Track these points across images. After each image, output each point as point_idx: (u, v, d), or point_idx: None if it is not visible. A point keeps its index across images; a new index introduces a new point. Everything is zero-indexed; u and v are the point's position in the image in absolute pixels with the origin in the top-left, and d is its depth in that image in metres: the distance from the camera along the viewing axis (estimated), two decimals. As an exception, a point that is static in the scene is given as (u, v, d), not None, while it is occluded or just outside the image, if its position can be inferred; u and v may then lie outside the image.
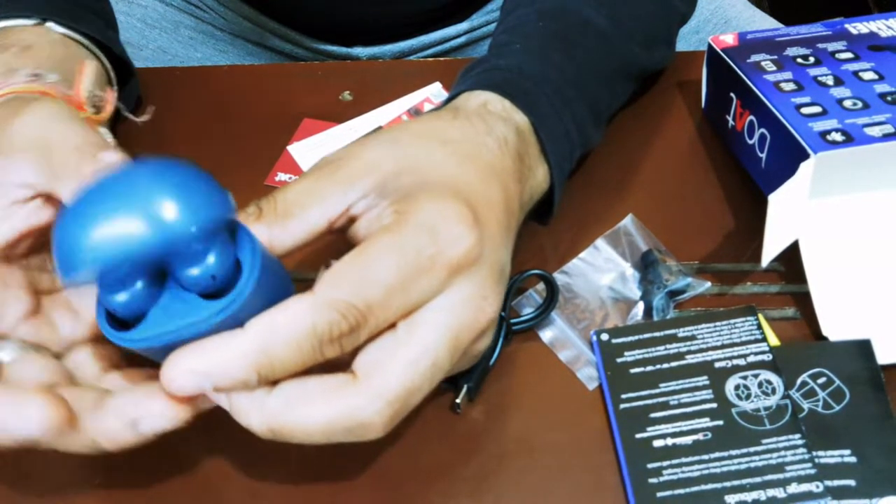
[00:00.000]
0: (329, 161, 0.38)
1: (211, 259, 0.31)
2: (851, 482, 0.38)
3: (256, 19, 0.73)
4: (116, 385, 0.36)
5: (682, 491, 0.38)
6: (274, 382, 0.33)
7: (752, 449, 0.39)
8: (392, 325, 0.33)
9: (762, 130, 0.48)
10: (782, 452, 0.39)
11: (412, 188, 0.36)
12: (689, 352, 0.43)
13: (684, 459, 0.39)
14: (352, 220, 0.37)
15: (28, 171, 0.36)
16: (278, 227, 0.35)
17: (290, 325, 0.31)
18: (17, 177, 0.36)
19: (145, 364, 0.35)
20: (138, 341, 0.32)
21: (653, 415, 0.41)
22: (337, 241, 0.37)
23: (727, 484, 0.38)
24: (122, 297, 0.31)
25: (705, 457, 0.39)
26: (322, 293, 0.32)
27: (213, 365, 0.31)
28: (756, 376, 0.42)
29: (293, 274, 0.38)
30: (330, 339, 0.31)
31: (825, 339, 0.44)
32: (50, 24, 0.49)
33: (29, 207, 0.36)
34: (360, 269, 0.32)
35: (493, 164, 0.39)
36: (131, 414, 0.33)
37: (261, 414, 0.32)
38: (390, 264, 0.32)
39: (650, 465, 0.39)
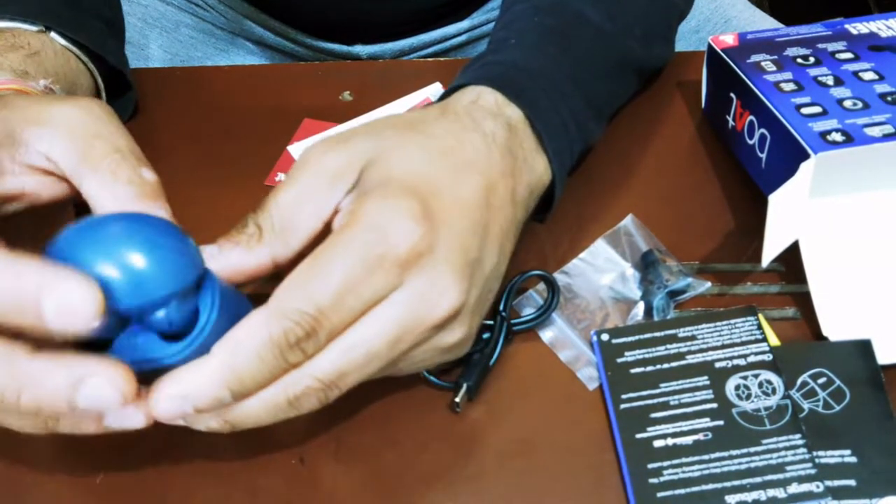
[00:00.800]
0: (314, 156, 0.38)
1: (169, 309, 0.33)
2: (852, 482, 0.38)
3: (257, 17, 0.73)
4: None
5: (682, 491, 0.39)
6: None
7: (752, 449, 0.39)
8: None
9: (762, 130, 0.48)
10: (782, 452, 0.39)
11: (371, 185, 0.37)
12: (690, 352, 0.43)
13: (685, 459, 0.39)
14: (336, 214, 0.38)
15: (59, 147, 0.37)
16: (279, 244, 0.37)
17: (248, 339, 0.33)
18: (44, 146, 0.37)
19: None
20: None
21: (653, 415, 0.41)
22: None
23: (727, 484, 0.38)
24: None
25: (706, 457, 0.39)
26: (274, 304, 0.33)
27: (189, 389, 0.33)
28: (756, 376, 0.42)
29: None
30: (289, 346, 0.33)
31: (825, 339, 0.44)
32: (52, 35, 0.50)
33: (44, 179, 0.37)
34: (309, 275, 0.34)
35: (473, 159, 0.39)
36: (81, 371, 0.31)
37: (214, 414, 0.34)
38: (338, 267, 0.34)
39: (650, 465, 0.39)
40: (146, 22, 0.73)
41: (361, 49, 0.73)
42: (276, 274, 0.38)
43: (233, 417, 0.34)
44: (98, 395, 0.31)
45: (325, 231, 0.37)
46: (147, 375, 0.33)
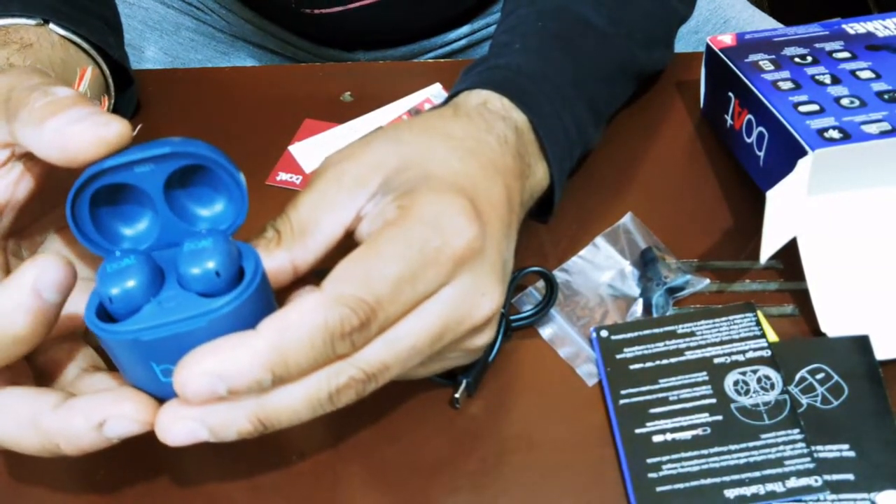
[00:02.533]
0: (333, 164, 0.38)
1: (217, 256, 0.32)
2: (850, 476, 0.38)
3: (258, 22, 0.74)
4: (95, 387, 0.36)
5: (681, 485, 0.39)
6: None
7: (751, 444, 0.39)
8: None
9: (760, 129, 0.48)
10: (781, 447, 0.39)
11: (414, 183, 0.36)
12: (689, 348, 0.43)
13: (684, 454, 0.40)
14: (360, 221, 0.37)
15: None
16: (299, 247, 0.35)
17: (301, 321, 0.31)
18: None
19: None
20: (124, 333, 0.31)
21: (652, 410, 0.41)
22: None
23: (726, 478, 0.39)
24: (116, 290, 0.31)
25: (704, 452, 0.40)
26: (331, 289, 0.32)
27: (228, 366, 0.30)
28: (755, 372, 0.42)
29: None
30: (341, 335, 0.31)
31: (823, 335, 0.44)
32: (51, 26, 0.50)
33: (6, 180, 0.35)
34: (368, 263, 0.33)
35: (494, 160, 0.40)
36: (99, 415, 0.32)
37: (246, 412, 0.32)
38: (397, 258, 0.33)
39: (650, 460, 0.40)
40: (146, 24, 0.74)
41: (362, 55, 0.74)
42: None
43: (268, 413, 0.32)
44: (122, 430, 0.32)
45: (347, 239, 0.37)
46: (171, 351, 0.31)
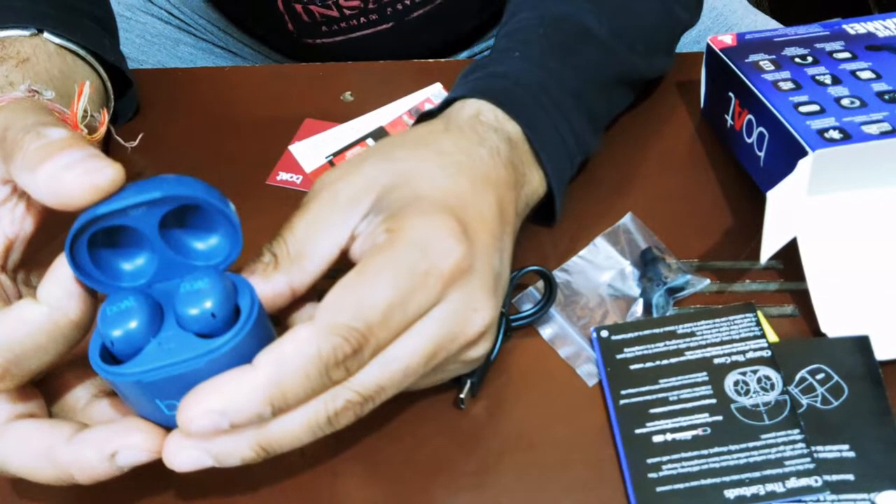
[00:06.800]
0: (327, 185, 0.38)
1: (213, 297, 0.32)
2: (850, 476, 0.38)
3: (259, 48, 0.74)
4: (105, 413, 0.36)
5: (681, 486, 0.39)
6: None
7: (751, 444, 0.40)
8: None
9: (760, 129, 0.48)
10: (781, 447, 0.39)
11: (402, 203, 0.36)
12: (689, 348, 0.43)
13: (684, 454, 0.40)
14: (353, 240, 0.37)
15: None
16: (296, 271, 0.36)
17: (296, 353, 0.32)
18: None
19: None
20: (127, 375, 0.32)
21: (652, 410, 0.41)
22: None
23: (726, 479, 0.39)
24: (118, 332, 0.32)
25: (704, 452, 0.40)
26: (323, 319, 0.32)
27: (229, 403, 0.31)
28: (755, 372, 0.42)
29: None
30: (335, 363, 0.32)
31: (824, 335, 0.44)
32: (46, 35, 0.50)
33: (13, 215, 0.36)
34: (358, 291, 0.33)
35: (486, 174, 0.40)
36: (110, 446, 0.33)
37: (248, 440, 0.33)
38: (386, 284, 0.33)
39: (650, 461, 0.40)
40: (145, 39, 0.74)
41: None
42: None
43: (270, 441, 0.33)
44: (133, 459, 0.34)
45: (341, 258, 0.37)
46: (173, 389, 0.32)
